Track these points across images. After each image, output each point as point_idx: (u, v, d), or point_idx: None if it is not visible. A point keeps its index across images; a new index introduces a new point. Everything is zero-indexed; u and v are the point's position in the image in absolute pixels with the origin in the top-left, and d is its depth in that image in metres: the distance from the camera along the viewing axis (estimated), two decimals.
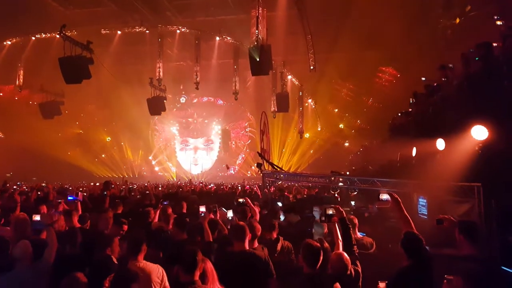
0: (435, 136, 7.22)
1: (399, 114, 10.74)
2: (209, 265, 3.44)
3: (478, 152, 6.01)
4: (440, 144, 7.03)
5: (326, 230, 4.65)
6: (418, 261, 3.51)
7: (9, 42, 24.38)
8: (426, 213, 7.72)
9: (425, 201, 7.83)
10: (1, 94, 25.88)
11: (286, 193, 12.28)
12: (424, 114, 8.82)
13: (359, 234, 5.39)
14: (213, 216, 5.27)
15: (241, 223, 4.21)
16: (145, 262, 3.73)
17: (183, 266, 3.20)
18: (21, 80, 24.15)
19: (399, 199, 4.06)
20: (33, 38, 23.75)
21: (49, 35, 22.81)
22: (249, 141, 35.55)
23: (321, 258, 3.52)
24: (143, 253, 3.76)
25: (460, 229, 3.84)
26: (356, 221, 5.32)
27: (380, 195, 4.20)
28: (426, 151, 7.57)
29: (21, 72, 24.21)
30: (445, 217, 4.06)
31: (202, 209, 5.10)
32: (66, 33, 14.59)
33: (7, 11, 19.67)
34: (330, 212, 4.27)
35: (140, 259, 3.72)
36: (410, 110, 10.15)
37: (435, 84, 8.79)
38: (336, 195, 9.85)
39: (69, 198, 6.77)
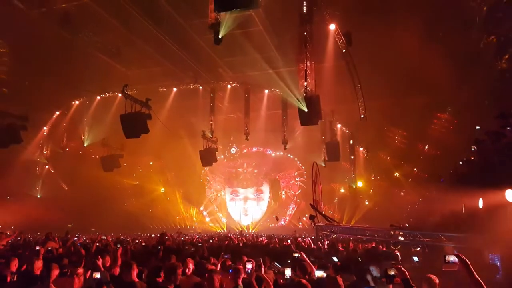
0: (504, 187, 6.70)
1: (460, 163, 10.12)
2: None
3: None
4: (511, 195, 6.49)
5: None
6: None
7: (77, 102, 26.74)
8: (500, 272, 7.00)
9: (498, 258, 7.13)
10: (67, 149, 27.99)
11: (340, 247, 11.75)
12: (489, 162, 8.27)
13: None
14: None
15: (304, 281, 4.02)
16: None
17: None
18: (86, 136, 26.14)
19: (467, 261, 3.67)
20: (98, 97, 25.85)
21: (112, 94, 24.72)
22: (299, 190, 35.02)
23: None
24: None
25: None
26: (437, 281, 4.88)
27: (447, 256, 3.81)
28: (494, 203, 6.99)
29: (86, 128, 26.27)
30: None
31: (249, 265, 4.96)
32: (127, 92, 15.79)
33: (77, 74, 21.80)
34: (392, 272, 3.97)
35: None
36: (472, 158, 9.56)
37: (498, 131, 8.28)
38: (397, 252, 9.15)
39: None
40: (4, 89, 20.56)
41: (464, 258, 3.66)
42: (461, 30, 17.82)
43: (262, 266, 5.14)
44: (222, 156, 33.88)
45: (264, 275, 5.17)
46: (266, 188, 36.47)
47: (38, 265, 5.75)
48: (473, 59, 18.00)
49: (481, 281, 3.53)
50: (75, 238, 15.85)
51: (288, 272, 5.19)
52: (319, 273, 5.47)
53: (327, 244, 12.00)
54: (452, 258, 3.74)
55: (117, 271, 5.95)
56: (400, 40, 18.15)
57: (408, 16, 17.48)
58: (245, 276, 5.02)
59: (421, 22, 17.32)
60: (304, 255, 6.36)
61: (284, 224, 34.52)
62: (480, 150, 8.89)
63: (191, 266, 5.95)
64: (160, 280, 5.21)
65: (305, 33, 14.70)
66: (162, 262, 6.79)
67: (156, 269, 5.69)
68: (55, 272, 5.04)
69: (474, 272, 3.58)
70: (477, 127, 9.11)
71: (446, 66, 18.95)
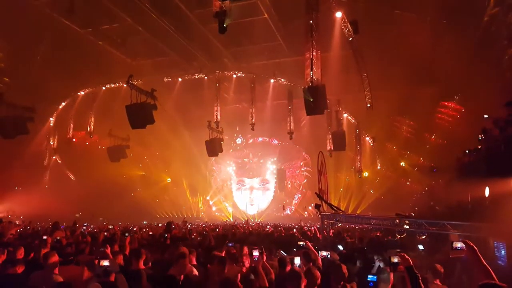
0: (510, 175, 6.66)
1: (467, 152, 10.04)
2: None
3: None
4: None
5: (392, 279, 4.31)
6: None
7: (82, 93, 26.86)
8: (505, 260, 6.99)
9: (503, 246, 7.11)
10: (74, 140, 28.18)
11: (345, 236, 11.79)
12: (495, 151, 8.20)
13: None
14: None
15: (297, 269, 4.06)
16: None
17: None
18: (92, 127, 26.28)
19: (475, 247, 3.66)
20: (104, 88, 25.90)
21: (117, 84, 24.76)
22: (305, 180, 35.09)
23: None
24: None
25: None
26: (442, 270, 4.87)
27: (454, 243, 3.79)
28: (501, 192, 6.96)
29: (92, 119, 26.41)
30: None
31: (256, 253, 4.98)
32: (133, 82, 15.79)
33: (82, 65, 21.87)
34: (395, 260, 3.96)
35: None
36: (479, 147, 9.48)
37: (506, 120, 8.19)
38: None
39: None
40: (10, 80, 20.68)
41: (472, 244, 3.64)
42: (471, 17, 17.53)
43: (264, 254, 5.14)
44: (227, 146, 33.91)
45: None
46: (272, 178, 36.58)
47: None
48: (482, 47, 17.72)
49: (489, 268, 3.50)
50: (83, 228, 16.07)
51: (297, 260, 5.22)
52: (324, 253, 5.92)
53: (332, 233, 12.04)
54: (459, 245, 3.72)
55: (120, 259, 6.00)
56: (407, 28, 17.92)
57: (416, 3, 17.23)
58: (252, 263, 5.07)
59: (429, 9, 17.07)
60: (309, 244, 6.39)
61: (290, 213, 34.71)
62: (488, 139, 8.82)
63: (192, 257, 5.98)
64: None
65: (311, 21, 14.49)
66: (170, 251, 6.84)
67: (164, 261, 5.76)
68: (53, 259, 5.05)
69: (482, 259, 3.56)
70: (485, 116, 9.00)
71: (455, 54, 18.70)
